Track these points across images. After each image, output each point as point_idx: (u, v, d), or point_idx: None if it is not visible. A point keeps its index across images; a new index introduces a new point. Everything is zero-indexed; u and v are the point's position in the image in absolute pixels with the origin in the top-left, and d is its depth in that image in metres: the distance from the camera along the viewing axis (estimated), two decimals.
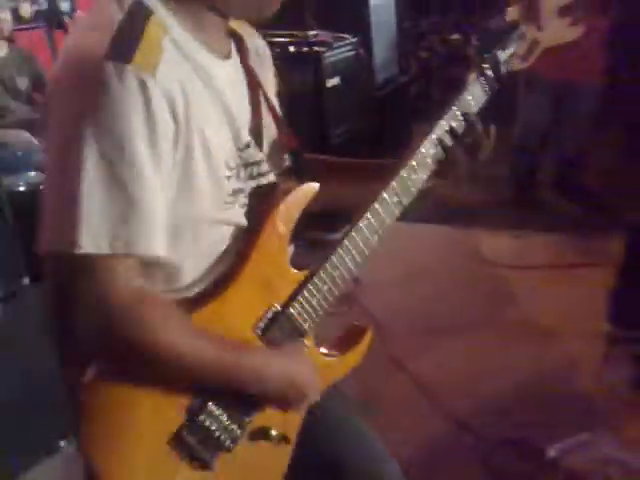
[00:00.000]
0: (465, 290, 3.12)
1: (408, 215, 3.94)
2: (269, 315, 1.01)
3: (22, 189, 2.70)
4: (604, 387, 2.27)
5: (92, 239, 0.82)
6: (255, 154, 1.02)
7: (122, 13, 0.86)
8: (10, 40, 3.45)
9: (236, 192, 0.99)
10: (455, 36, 5.47)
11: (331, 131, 3.63)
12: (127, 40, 0.84)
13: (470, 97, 1.12)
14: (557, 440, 2.06)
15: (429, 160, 1.09)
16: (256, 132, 1.03)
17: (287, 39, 3.72)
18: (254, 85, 1.05)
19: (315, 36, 3.76)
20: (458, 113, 1.10)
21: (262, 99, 1.06)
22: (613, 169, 3.83)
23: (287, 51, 3.70)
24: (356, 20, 4.10)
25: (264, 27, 1.08)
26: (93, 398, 0.90)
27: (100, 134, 0.81)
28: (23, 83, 3.43)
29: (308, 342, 1.07)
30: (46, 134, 0.88)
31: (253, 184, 1.02)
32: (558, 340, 2.62)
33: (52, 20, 3.53)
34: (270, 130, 1.08)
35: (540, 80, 3.55)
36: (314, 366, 1.04)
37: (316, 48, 3.67)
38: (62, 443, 2.21)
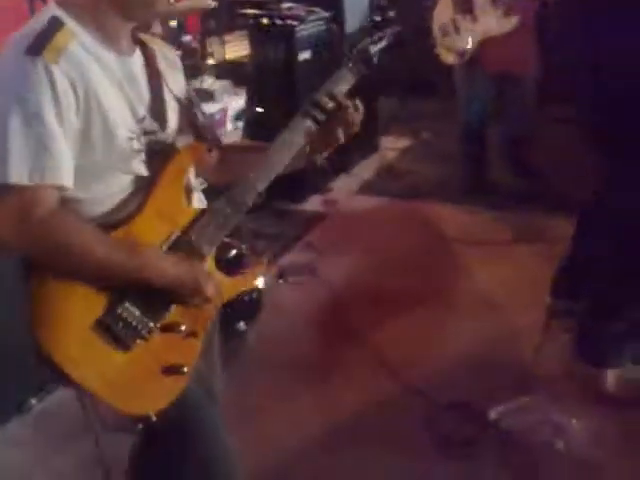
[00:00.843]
0: (418, 262, 3.27)
1: (366, 189, 4.08)
2: (172, 238, 1.31)
3: None
4: (544, 356, 2.44)
5: (16, 173, 1.16)
6: (151, 125, 1.35)
7: (42, 25, 1.22)
8: None
9: (137, 151, 1.32)
10: None
11: (301, 104, 3.69)
12: (40, 42, 1.19)
13: (339, 80, 1.44)
14: (498, 404, 2.22)
15: (302, 129, 1.40)
16: (155, 110, 1.37)
17: (261, 11, 3.76)
18: (155, 78, 1.39)
19: (289, 9, 3.81)
20: (325, 93, 1.41)
21: (165, 89, 1.40)
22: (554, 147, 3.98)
23: (260, 24, 3.75)
24: None
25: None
26: (38, 293, 1.22)
27: (22, 104, 1.16)
28: None
29: (208, 263, 1.35)
30: None
31: (154, 146, 1.35)
32: (503, 312, 2.77)
33: None
34: (173, 111, 1.42)
35: (480, 71, 3.66)
36: (212, 276, 1.33)
37: (289, 21, 3.72)
38: (33, 401, 2.30)
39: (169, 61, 1.48)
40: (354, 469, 2.04)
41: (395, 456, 2.08)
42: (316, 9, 3.90)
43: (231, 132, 4.79)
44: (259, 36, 3.84)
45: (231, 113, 4.84)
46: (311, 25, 3.82)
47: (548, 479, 2.03)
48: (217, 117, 4.68)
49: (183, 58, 4.01)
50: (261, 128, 3.85)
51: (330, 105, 1.40)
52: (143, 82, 1.37)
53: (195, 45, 5.08)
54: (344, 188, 4.21)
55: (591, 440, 2.10)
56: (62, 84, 1.18)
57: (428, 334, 2.71)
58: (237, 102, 4.81)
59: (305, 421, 2.26)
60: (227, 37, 5.63)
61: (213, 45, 5.49)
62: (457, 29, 3.63)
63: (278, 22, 3.70)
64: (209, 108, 4.53)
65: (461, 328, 2.71)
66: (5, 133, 1.16)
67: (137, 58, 1.37)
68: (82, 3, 1.27)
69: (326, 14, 3.93)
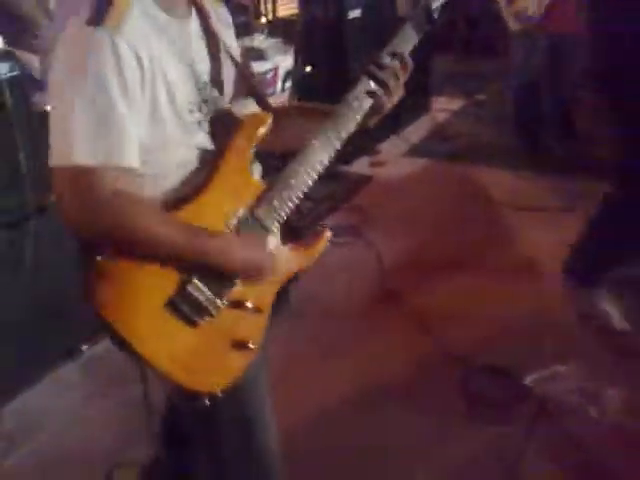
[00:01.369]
0: (464, 226, 3.25)
1: (415, 151, 4.05)
2: (238, 214, 1.26)
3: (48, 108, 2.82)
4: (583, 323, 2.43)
5: (82, 154, 1.10)
6: (212, 92, 1.30)
7: None
8: None
9: (200, 121, 1.27)
10: None
11: (350, 65, 3.67)
12: (100, 10, 1.12)
13: (403, 38, 1.36)
14: (535, 370, 2.23)
15: (366, 92, 1.33)
16: (214, 75, 1.31)
17: None
18: (213, 40, 1.33)
19: None
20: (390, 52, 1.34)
21: (222, 50, 1.34)
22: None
23: None
24: None
25: None
26: (104, 273, 1.18)
27: (86, 79, 1.10)
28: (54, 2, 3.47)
29: (273, 238, 1.32)
30: (49, 81, 1.15)
31: (214, 115, 1.29)
32: (547, 279, 2.74)
33: None
34: (230, 74, 1.36)
35: (540, 35, 3.58)
36: (276, 255, 1.31)
37: None
38: (84, 347, 2.44)
39: (223, 21, 1.41)
40: (386, 429, 2.09)
41: (428, 418, 2.11)
42: None
43: (281, 92, 4.79)
44: None
45: (282, 72, 4.84)
46: None
47: (581, 445, 2.03)
48: (268, 76, 4.68)
49: (235, 15, 4.04)
50: (310, 88, 3.84)
51: (396, 65, 1.34)
52: (202, 46, 1.31)
53: (247, 2, 5.07)
54: (392, 150, 4.19)
55: (625, 408, 2.10)
56: (127, 56, 1.12)
57: (470, 298, 2.71)
58: (288, 61, 4.79)
59: (340, 380, 2.31)
60: None
61: (265, 2, 5.47)
62: None
63: None
64: (260, 67, 4.54)
65: (503, 293, 2.70)
66: (70, 112, 1.10)
67: (194, 20, 1.31)
68: None
69: None
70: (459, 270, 2.89)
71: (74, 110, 1.10)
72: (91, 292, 1.18)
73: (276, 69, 4.78)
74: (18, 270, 2.27)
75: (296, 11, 4.78)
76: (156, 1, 1.21)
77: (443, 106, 4.79)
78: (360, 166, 4.00)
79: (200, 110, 1.26)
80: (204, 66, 1.30)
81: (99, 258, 1.16)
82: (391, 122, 4.13)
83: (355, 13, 3.74)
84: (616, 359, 2.30)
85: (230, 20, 1.45)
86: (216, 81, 1.31)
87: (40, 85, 2.56)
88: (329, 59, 3.76)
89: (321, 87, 3.72)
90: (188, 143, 1.26)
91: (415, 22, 1.39)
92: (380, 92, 1.33)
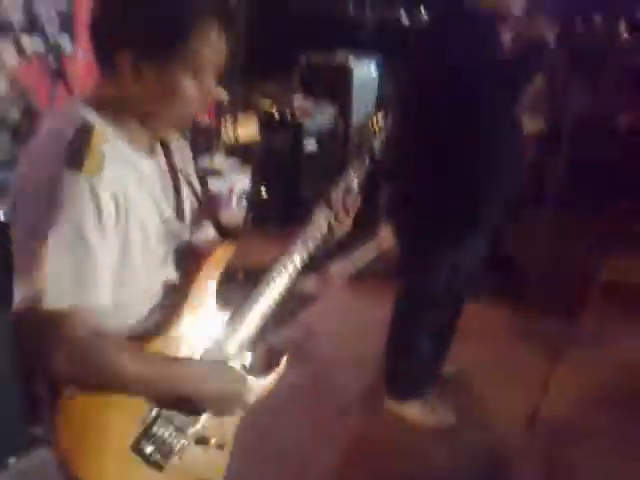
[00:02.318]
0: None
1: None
2: (206, 346, 1.30)
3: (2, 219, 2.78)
4: None
5: (54, 297, 1.09)
6: (176, 225, 1.32)
7: (73, 131, 1.14)
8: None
9: (166, 254, 1.29)
10: None
11: (303, 191, 3.87)
12: (78, 153, 1.12)
13: (349, 175, 1.48)
14: None
15: (321, 221, 1.44)
16: (178, 208, 1.34)
17: (271, 103, 3.98)
18: (175, 175, 1.36)
19: (299, 102, 4.02)
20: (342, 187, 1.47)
21: (183, 184, 1.37)
22: None
23: (270, 114, 3.95)
24: (339, 91, 4.38)
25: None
26: (68, 416, 1.16)
27: (63, 224, 1.09)
28: (13, 116, 3.54)
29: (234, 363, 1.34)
30: (16, 219, 1.15)
31: (178, 247, 1.32)
32: None
33: (53, 57, 3.65)
34: (191, 205, 1.39)
35: None
36: (250, 384, 1.32)
37: (297, 114, 3.94)
38: (11, 460, 2.33)
39: (185, 154, 1.45)
40: None
41: None
42: (324, 103, 4.12)
43: (236, 210, 4.93)
44: (268, 125, 4.05)
45: (237, 191, 5.00)
46: (318, 118, 4.03)
47: None
48: (224, 195, 4.83)
49: (196, 136, 4.21)
50: (263, 209, 4.01)
51: (346, 199, 1.46)
52: (166, 180, 1.34)
53: (208, 124, 5.30)
54: (340, 270, 4.32)
55: None
56: (105, 198, 1.13)
57: None
58: (243, 181, 4.97)
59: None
60: (240, 117, 5.87)
61: (226, 124, 5.72)
62: None
63: (287, 115, 3.92)
64: (217, 185, 4.69)
65: None
66: (42, 253, 1.09)
67: (160, 157, 1.34)
68: (111, 104, 1.21)
69: (333, 108, 4.15)
70: None
71: (49, 253, 1.09)
72: (55, 439, 1.16)
73: (232, 188, 4.96)
74: None
75: (255, 136, 5.03)
76: (125, 139, 1.22)
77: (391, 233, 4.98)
78: (308, 284, 4.10)
79: (166, 243, 1.29)
80: (169, 200, 1.33)
81: (64, 396, 1.15)
82: (339, 245, 4.30)
83: (310, 143, 3.99)
84: None
85: (188, 149, 1.48)
86: (179, 213, 1.35)
87: None
88: (283, 184, 3.95)
89: (274, 210, 3.89)
90: (155, 275, 1.28)
91: (358, 160, 1.52)
92: (333, 221, 1.45)
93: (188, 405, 1.24)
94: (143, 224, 1.22)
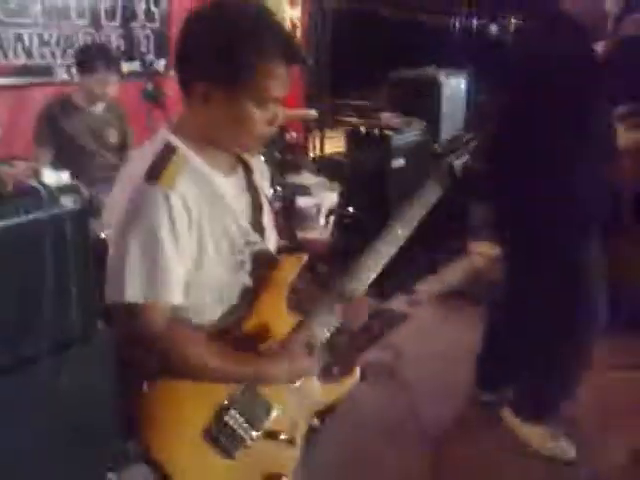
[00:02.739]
0: None
1: (452, 293, 4.07)
2: (272, 349, 1.39)
3: (103, 236, 2.75)
4: None
5: (132, 292, 1.26)
6: (254, 236, 1.43)
7: (157, 151, 1.32)
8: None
9: (242, 262, 1.40)
10: None
11: (391, 210, 3.83)
12: (157, 168, 1.29)
13: (428, 192, 1.56)
14: None
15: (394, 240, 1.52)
16: (256, 222, 1.46)
17: (359, 120, 3.98)
18: (255, 192, 1.49)
19: (387, 119, 4.00)
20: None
21: (263, 200, 1.50)
22: None
23: (357, 130, 3.95)
24: (428, 106, 4.33)
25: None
26: (150, 404, 1.29)
27: (141, 228, 1.25)
28: (113, 137, 3.71)
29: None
30: (112, 226, 1.32)
31: (254, 256, 1.42)
32: None
33: (148, 78, 3.76)
34: (269, 220, 1.52)
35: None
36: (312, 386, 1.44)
37: (385, 131, 3.91)
38: (110, 476, 2.41)
39: (263, 172, 1.58)
40: None
41: None
42: (413, 119, 4.08)
43: (323, 228, 4.96)
44: (356, 141, 4.05)
45: (325, 209, 5.03)
46: (407, 134, 3.99)
47: None
48: (312, 211, 4.87)
49: (285, 153, 4.27)
50: (350, 227, 3.99)
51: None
52: (246, 197, 1.45)
53: (297, 141, 5.38)
54: (428, 290, 4.23)
55: None
56: (178, 208, 1.26)
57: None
58: (332, 198, 5.00)
59: None
60: (328, 133, 5.93)
61: (314, 140, 5.79)
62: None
63: (375, 131, 3.90)
64: (305, 202, 4.74)
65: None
66: (124, 254, 1.25)
67: (240, 175, 1.46)
68: (192, 128, 1.35)
69: (422, 124, 4.10)
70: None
71: (129, 253, 1.25)
72: (136, 424, 1.28)
73: (319, 205, 4.98)
74: (53, 397, 2.30)
75: (342, 149, 5.06)
76: (206, 160, 1.36)
77: (481, 250, 4.86)
78: (397, 303, 4.04)
79: (242, 252, 1.40)
80: (247, 214, 1.44)
81: (145, 389, 1.28)
82: (428, 263, 4.23)
83: (399, 162, 3.95)
84: None
85: (266, 171, 1.62)
86: (258, 227, 1.45)
87: (95, 213, 2.72)
88: (371, 203, 3.92)
89: (362, 228, 3.87)
90: (230, 281, 1.39)
91: (437, 179, 1.58)
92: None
93: (256, 403, 1.35)
94: (216, 235, 1.34)
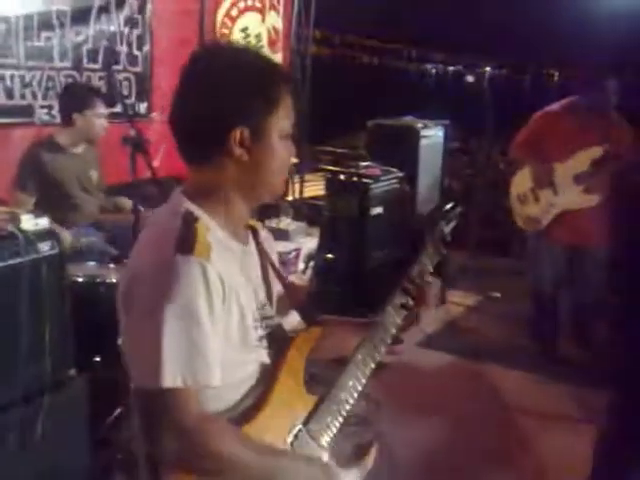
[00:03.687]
0: (474, 429, 3.20)
1: (429, 342, 4.03)
2: (294, 431, 1.31)
3: (80, 280, 2.78)
4: None
5: (170, 377, 1.14)
6: (269, 310, 1.37)
7: (180, 221, 1.22)
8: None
9: (260, 338, 1.31)
10: None
11: (369, 255, 3.84)
12: (187, 239, 1.19)
13: (427, 259, 1.56)
14: None
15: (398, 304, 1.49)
16: (268, 293, 1.39)
17: (339, 168, 4.02)
18: (265, 261, 1.43)
19: (365, 167, 4.05)
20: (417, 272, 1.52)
21: (270, 270, 1.44)
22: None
23: (337, 178, 3.99)
24: (406, 157, 4.39)
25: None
26: None
27: (177, 304, 1.14)
28: (94, 177, 3.69)
29: (325, 453, 1.35)
30: (130, 307, 1.21)
31: (270, 331, 1.34)
32: None
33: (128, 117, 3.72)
34: (279, 291, 1.44)
35: (552, 245, 3.70)
36: (332, 469, 1.33)
37: (364, 179, 3.95)
38: None
39: (268, 242, 1.49)
40: None
41: None
42: (392, 169, 4.13)
43: (302, 273, 4.95)
44: (335, 188, 4.08)
45: (304, 253, 5.03)
46: (385, 183, 4.04)
47: None
48: (290, 256, 4.87)
49: None
50: (330, 272, 3.99)
51: (422, 282, 1.52)
52: (258, 267, 1.40)
53: None
54: (407, 339, 4.21)
55: None
56: (214, 280, 1.17)
57: None
58: (311, 243, 5.00)
59: None
60: (307, 176, 5.96)
61: (293, 185, 5.81)
62: (537, 199, 3.68)
63: (354, 179, 3.94)
64: (283, 247, 4.74)
65: None
66: (159, 335, 1.13)
67: (252, 243, 1.40)
68: (211, 194, 1.29)
69: (400, 174, 4.15)
70: (471, 475, 2.81)
71: (164, 333, 1.13)
72: None
73: (298, 250, 4.98)
74: (26, 445, 2.24)
75: (321, 192, 5.07)
76: (225, 229, 1.30)
77: (458, 300, 4.87)
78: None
79: (261, 327, 1.32)
80: (262, 286, 1.38)
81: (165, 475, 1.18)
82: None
83: (377, 210, 3.98)
84: None
85: (271, 237, 1.54)
86: (270, 298, 1.39)
87: (69, 258, 2.67)
88: (350, 249, 3.94)
89: (340, 273, 3.88)
90: (250, 359, 1.30)
91: (432, 248, 1.58)
92: (410, 305, 1.49)
93: None
94: (242, 308, 1.26)
